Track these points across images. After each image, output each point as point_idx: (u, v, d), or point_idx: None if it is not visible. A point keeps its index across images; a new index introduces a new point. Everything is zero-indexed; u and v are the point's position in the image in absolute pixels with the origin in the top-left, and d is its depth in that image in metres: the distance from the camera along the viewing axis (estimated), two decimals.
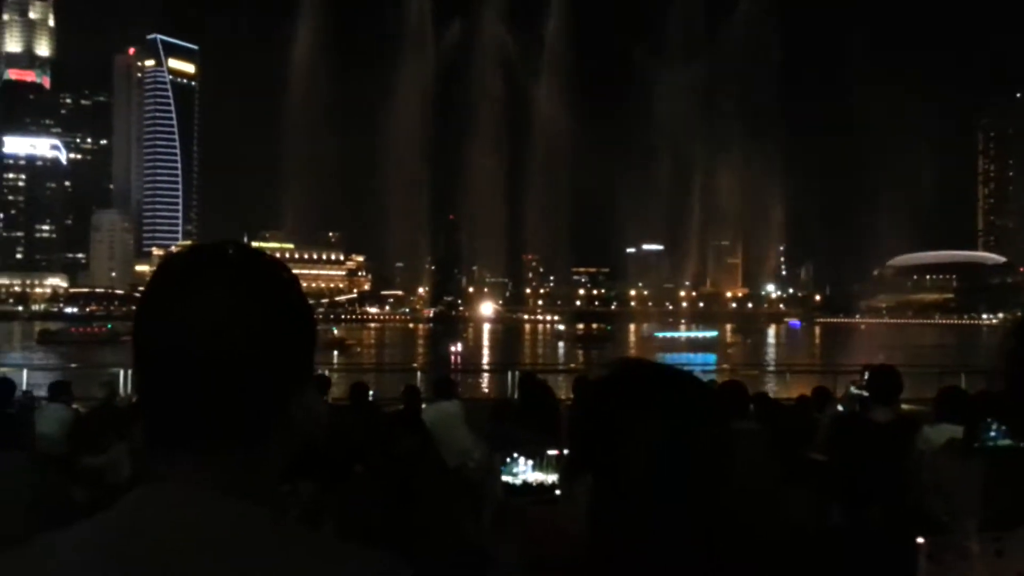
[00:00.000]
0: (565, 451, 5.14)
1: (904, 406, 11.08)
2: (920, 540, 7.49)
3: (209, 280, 1.81)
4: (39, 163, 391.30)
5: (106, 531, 1.73)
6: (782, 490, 8.32)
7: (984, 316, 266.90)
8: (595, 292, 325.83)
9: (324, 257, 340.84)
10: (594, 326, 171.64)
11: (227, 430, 1.79)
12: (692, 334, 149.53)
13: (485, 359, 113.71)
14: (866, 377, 14.85)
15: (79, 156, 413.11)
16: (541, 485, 4.73)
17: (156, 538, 1.68)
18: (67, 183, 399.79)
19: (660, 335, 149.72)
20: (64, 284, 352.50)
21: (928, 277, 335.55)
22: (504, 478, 5.18)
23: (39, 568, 1.73)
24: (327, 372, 25.81)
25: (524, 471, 4.82)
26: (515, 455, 4.85)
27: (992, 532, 4.53)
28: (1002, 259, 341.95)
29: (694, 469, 2.20)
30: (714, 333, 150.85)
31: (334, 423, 11.68)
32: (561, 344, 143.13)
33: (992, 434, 7.19)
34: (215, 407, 1.77)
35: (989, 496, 6.46)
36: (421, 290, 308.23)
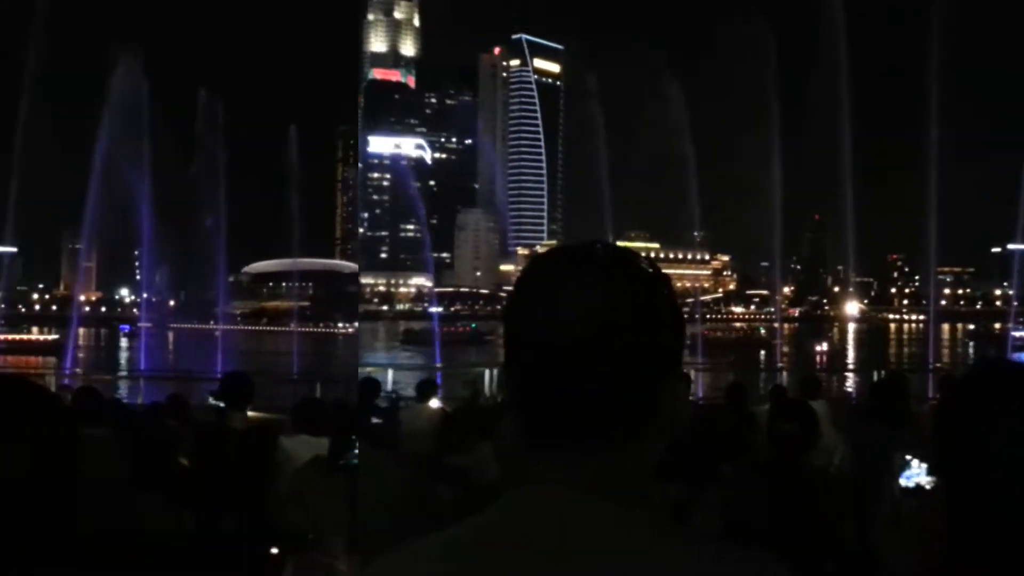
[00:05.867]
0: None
1: (257, 413, 11.92)
2: (275, 551, 7.54)
3: (579, 277, 1.78)
4: (404, 162, 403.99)
5: (479, 535, 1.74)
6: (132, 495, 7.84)
7: (340, 324, 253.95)
8: (959, 292, 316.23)
9: (689, 257, 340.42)
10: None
11: (601, 429, 1.76)
12: None
13: (851, 358, 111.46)
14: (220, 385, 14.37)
15: (444, 155, 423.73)
16: (936, 488, 4.38)
17: (532, 542, 1.67)
18: (432, 182, 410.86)
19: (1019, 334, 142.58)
20: (429, 283, 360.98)
21: (284, 284, 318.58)
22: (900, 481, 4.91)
23: (412, 572, 1.75)
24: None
25: (918, 474, 4.48)
26: (908, 457, 4.53)
27: (362, 554, 4.25)
28: (357, 267, 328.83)
29: None
30: None
31: (702, 422, 11.48)
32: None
33: (355, 451, 7.64)
34: (588, 405, 1.74)
35: (354, 513, 6.94)
36: (786, 290, 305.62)
